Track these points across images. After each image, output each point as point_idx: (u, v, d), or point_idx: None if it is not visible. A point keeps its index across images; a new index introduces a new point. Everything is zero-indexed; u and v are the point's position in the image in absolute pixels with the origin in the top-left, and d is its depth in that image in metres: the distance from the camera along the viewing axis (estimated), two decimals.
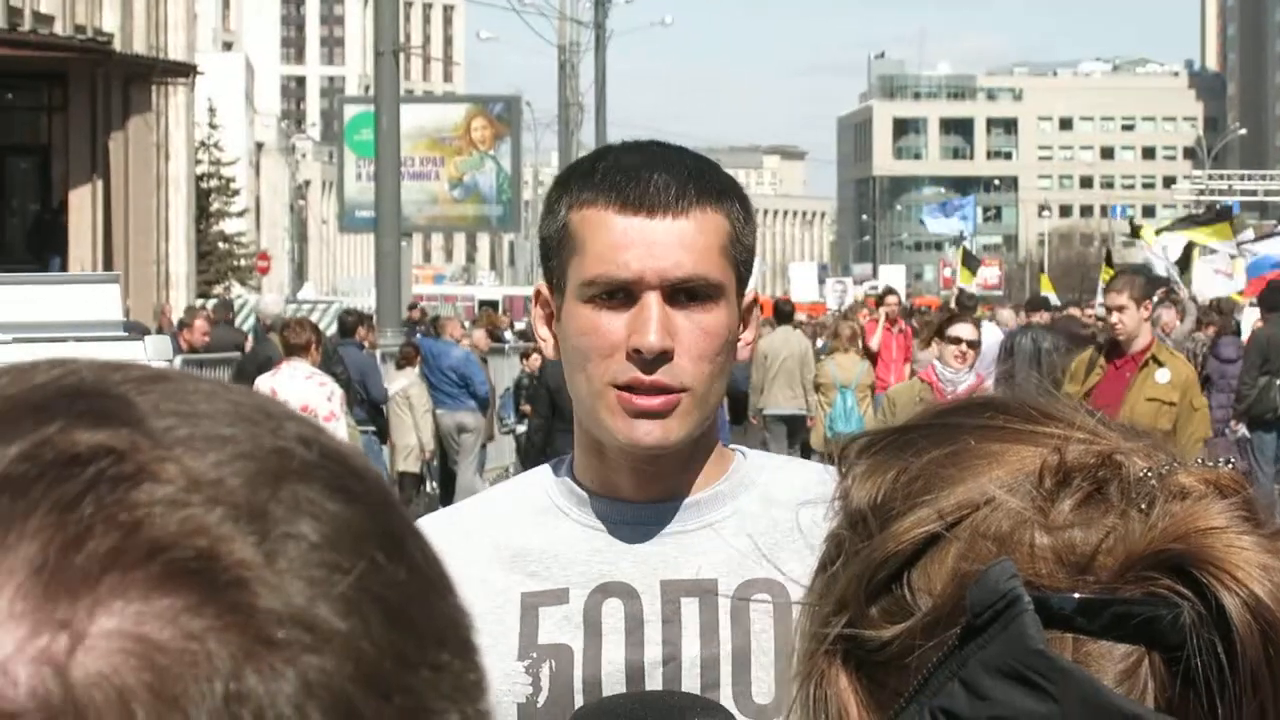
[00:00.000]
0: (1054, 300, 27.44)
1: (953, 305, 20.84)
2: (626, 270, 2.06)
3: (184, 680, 0.61)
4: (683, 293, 2.08)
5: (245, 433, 0.68)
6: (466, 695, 0.69)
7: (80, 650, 0.61)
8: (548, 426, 13.48)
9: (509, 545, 2.16)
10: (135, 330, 14.19)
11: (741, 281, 2.15)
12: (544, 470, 2.25)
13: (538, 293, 2.21)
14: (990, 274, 54.25)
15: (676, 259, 2.06)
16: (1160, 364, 9.45)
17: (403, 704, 0.66)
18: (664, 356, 2.06)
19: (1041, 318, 20.33)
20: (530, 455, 13.86)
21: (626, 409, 2.07)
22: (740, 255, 2.13)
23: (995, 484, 1.06)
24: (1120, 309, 9.50)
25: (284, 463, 0.68)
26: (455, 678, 0.68)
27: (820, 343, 20.52)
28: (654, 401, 2.06)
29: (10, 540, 0.63)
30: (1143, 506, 1.03)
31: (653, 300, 2.06)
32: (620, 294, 2.08)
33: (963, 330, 10.42)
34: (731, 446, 2.25)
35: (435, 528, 2.16)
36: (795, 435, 17.53)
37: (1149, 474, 1.04)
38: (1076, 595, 1.01)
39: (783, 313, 18.66)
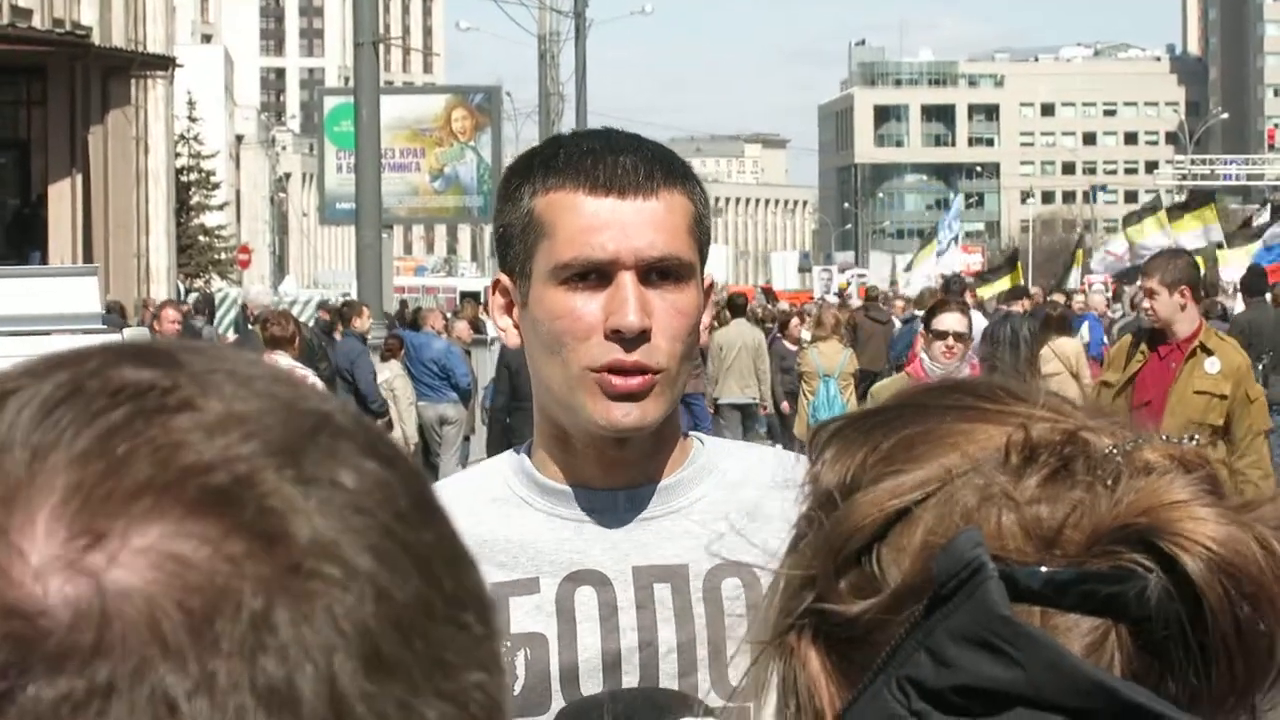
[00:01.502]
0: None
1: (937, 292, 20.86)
2: (602, 251, 2.06)
3: (214, 600, 0.62)
4: (656, 272, 2.08)
5: (285, 391, 0.69)
6: (488, 661, 0.69)
7: (112, 564, 0.62)
8: (509, 406, 13.66)
9: (472, 536, 2.11)
10: (113, 323, 14.15)
11: (703, 263, 2.16)
12: (500, 461, 2.25)
13: (496, 282, 2.20)
14: (973, 261, 54.21)
15: (650, 239, 2.07)
16: (1209, 352, 8.49)
17: (424, 651, 0.66)
18: (643, 336, 2.06)
19: (1022, 305, 20.41)
20: (494, 436, 14.11)
21: (606, 391, 2.06)
22: (703, 237, 2.15)
23: (963, 460, 1.06)
24: (1151, 294, 8.60)
25: (322, 419, 0.69)
26: (477, 641, 0.69)
27: (807, 333, 20.58)
28: (632, 382, 2.06)
29: (51, 461, 0.64)
30: (1108, 482, 1.03)
31: (628, 280, 2.06)
32: (594, 275, 2.08)
33: (949, 321, 9.15)
34: (690, 433, 2.25)
35: None
36: (748, 422, 18.34)
37: (1114, 450, 1.05)
38: (1043, 569, 1.01)
39: (736, 305, 19.35)
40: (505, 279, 2.17)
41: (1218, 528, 1.00)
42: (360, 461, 0.68)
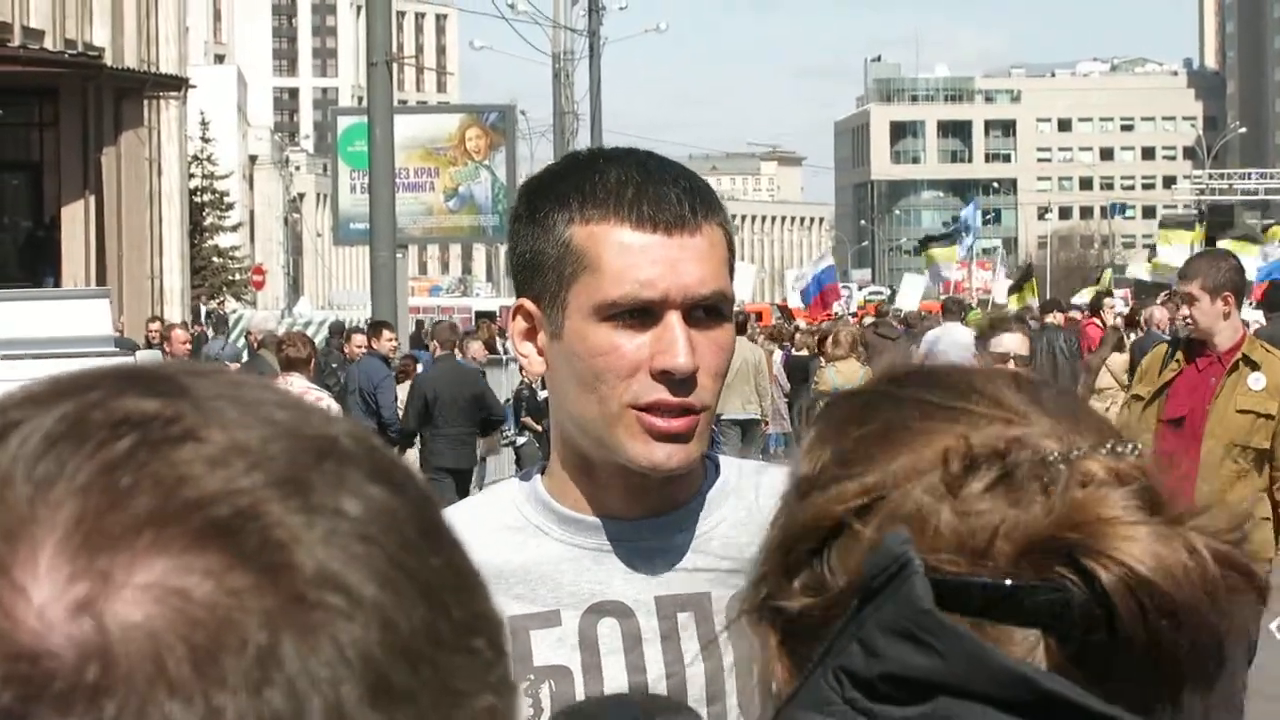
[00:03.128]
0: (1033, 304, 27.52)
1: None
2: (652, 290, 2.02)
3: (218, 634, 0.62)
4: (701, 309, 2.05)
5: (293, 417, 0.69)
6: (498, 685, 0.69)
7: (116, 600, 0.62)
8: (424, 433, 14.43)
9: (487, 565, 1.97)
10: (125, 346, 14.06)
11: None
12: (509, 487, 2.20)
13: (519, 307, 2.13)
14: (988, 278, 54.10)
15: (699, 276, 2.03)
16: (1255, 366, 7.49)
17: (432, 679, 0.66)
18: (691, 377, 2.02)
19: (1056, 318, 20.37)
20: (423, 463, 14.66)
21: (650, 432, 2.03)
22: (732, 267, 2.12)
23: (911, 466, 1.11)
24: (1190, 300, 7.60)
25: (328, 445, 0.69)
26: (487, 666, 0.69)
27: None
28: (676, 424, 2.03)
29: (54, 495, 0.64)
30: (1045, 494, 1.07)
31: (675, 320, 2.03)
32: (639, 313, 2.03)
33: (1010, 343, 8.04)
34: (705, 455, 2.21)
35: None
36: (749, 438, 18.52)
37: (1056, 459, 1.08)
38: (974, 580, 1.05)
39: (737, 323, 19.22)
40: (530, 305, 2.10)
41: (1143, 546, 1.03)
42: (366, 488, 0.68)
